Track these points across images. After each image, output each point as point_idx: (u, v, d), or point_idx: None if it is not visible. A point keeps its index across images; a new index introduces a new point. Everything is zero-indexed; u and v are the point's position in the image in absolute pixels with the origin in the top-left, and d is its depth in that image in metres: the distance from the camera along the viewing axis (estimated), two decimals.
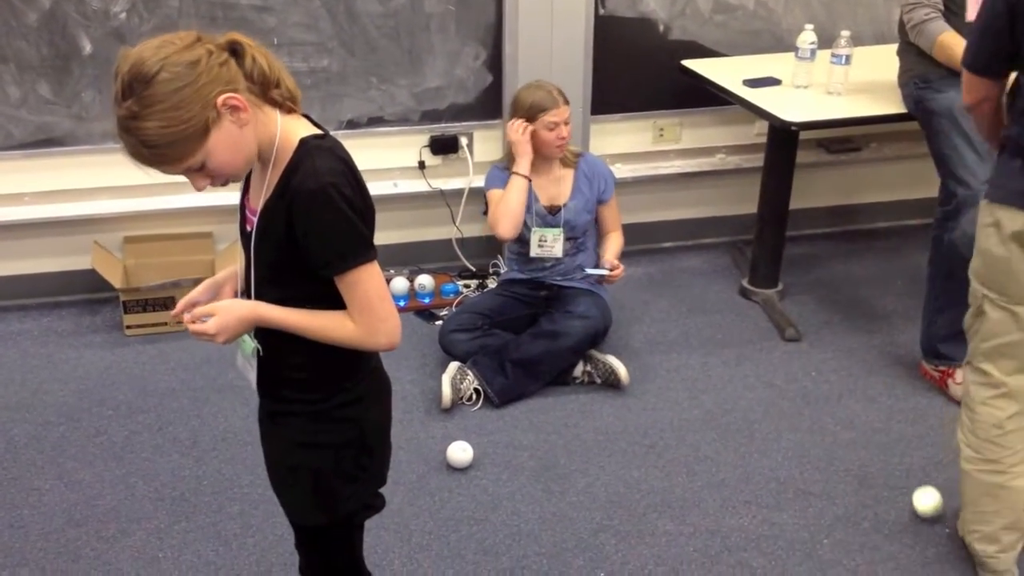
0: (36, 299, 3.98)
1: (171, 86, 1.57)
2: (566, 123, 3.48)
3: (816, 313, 3.97)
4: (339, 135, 3.90)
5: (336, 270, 1.70)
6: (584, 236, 3.62)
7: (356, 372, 1.89)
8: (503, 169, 3.59)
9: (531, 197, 3.54)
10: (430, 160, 4.12)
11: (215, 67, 1.60)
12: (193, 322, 1.79)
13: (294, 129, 1.71)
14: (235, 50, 1.66)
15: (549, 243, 3.55)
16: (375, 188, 4.03)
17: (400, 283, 4.04)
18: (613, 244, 3.66)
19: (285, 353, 1.84)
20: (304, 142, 1.69)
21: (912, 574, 2.72)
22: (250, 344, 1.86)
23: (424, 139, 4.10)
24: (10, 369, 3.58)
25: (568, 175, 3.59)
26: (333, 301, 1.76)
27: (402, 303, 4.02)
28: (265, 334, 1.83)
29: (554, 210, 3.55)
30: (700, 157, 4.40)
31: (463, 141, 4.11)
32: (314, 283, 1.74)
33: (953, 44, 3.33)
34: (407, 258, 4.22)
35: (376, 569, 2.72)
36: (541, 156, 3.52)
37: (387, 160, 4.10)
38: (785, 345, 3.76)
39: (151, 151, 1.61)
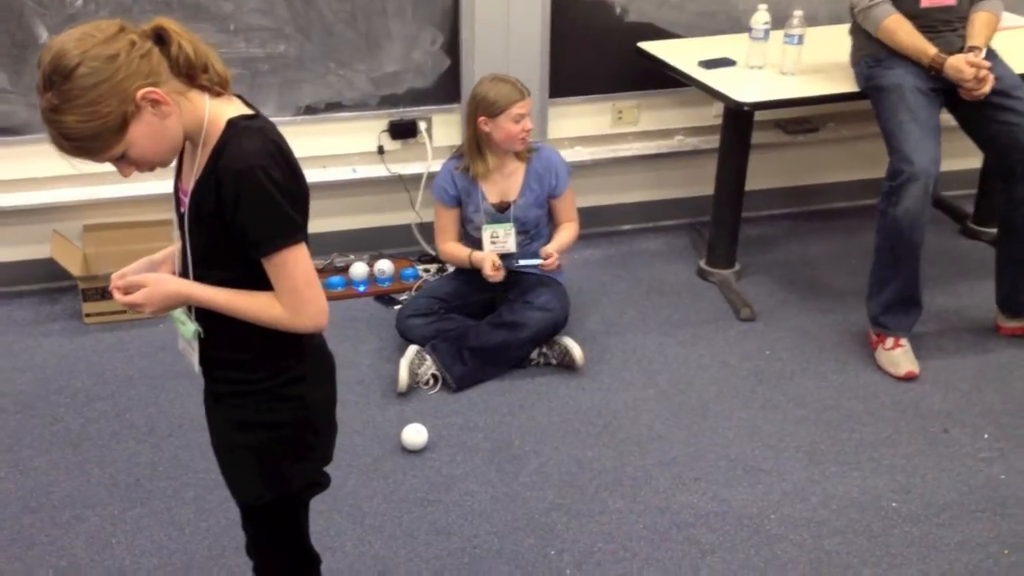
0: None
1: (89, 81, 1.59)
2: (528, 114, 3.47)
3: (772, 293, 4.01)
4: (297, 121, 4.01)
5: (262, 252, 1.72)
6: (537, 228, 3.63)
7: (299, 350, 1.91)
8: (457, 169, 3.58)
9: (479, 195, 3.56)
10: (389, 145, 4.13)
11: (135, 60, 1.62)
12: (125, 292, 1.80)
13: (222, 111, 1.72)
14: (161, 37, 1.67)
15: (501, 238, 3.56)
16: (334, 174, 4.13)
17: (360, 268, 4.05)
18: (560, 235, 3.64)
19: (226, 334, 1.86)
20: (232, 123, 1.70)
21: (858, 547, 2.76)
22: (191, 327, 1.87)
23: (383, 124, 4.11)
24: None
25: (519, 170, 3.57)
26: (270, 283, 1.78)
27: (362, 288, 4.03)
28: (206, 316, 1.85)
29: (503, 207, 3.56)
30: (658, 139, 4.42)
31: (422, 126, 4.12)
32: (250, 264, 1.75)
33: (897, 28, 3.38)
34: (367, 243, 4.23)
35: (328, 551, 2.74)
36: (500, 150, 3.51)
37: (346, 146, 4.11)
38: (740, 325, 3.79)
39: (71, 143, 1.64)
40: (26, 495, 2.96)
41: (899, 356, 3.46)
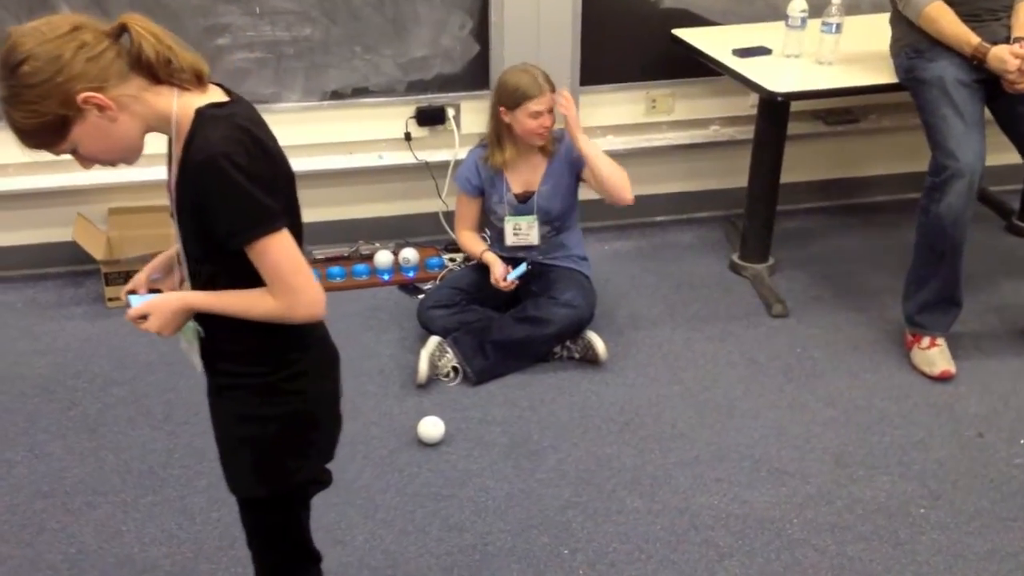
0: (20, 271, 3.97)
1: (30, 80, 1.58)
2: (550, 111, 3.37)
3: (806, 288, 3.90)
4: (324, 106, 3.95)
5: (238, 242, 1.66)
6: (563, 218, 3.54)
7: (301, 344, 1.87)
8: (482, 159, 3.51)
9: (503, 186, 3.48)
10: (416, 132, 4.07)
11: (80, 62, 1.59)
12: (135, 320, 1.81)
13: (192, 103, 1.67)
14: (123, 34, 1.64)
15: (524, 231, 3.49)
16: (360, 160, 4.07)
17: (384, 256, 4.00)
18: (614, 165, 3.45)
19: (227, 329, 1.82)
20: (199, 112, 1.65)
21: (882, 555, 2.66)
22: (191, 325, 1.84)
23: (410, 110, 4.05)
24: None
25: (544, 160, 3.49)
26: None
27: (386, 276, 3.98)
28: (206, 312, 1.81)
29: (525, 197, 3.48)
30: (694, 129, 4.33)
31: (450, 112, 4.06)
32: (237, 256, 1.71)
33: (939, 16, 3.25)
34: (393, 231, 4.18)
35: (338, 545, 2.71)
36: (522, 142, 3.44)
37: (373, 132, 4.06)
38: (772, 321, 3.69)
39: (20, 135, 1.65)
40: (39, 480, 2.94)
41: (935, 355, 3.35)
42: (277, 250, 1.68)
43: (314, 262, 4.05)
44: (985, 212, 4.42)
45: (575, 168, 3.50)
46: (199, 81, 1.69)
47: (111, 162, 1.74)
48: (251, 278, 1.73)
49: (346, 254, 4.09)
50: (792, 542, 2.70)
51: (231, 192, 1.62)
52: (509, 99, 3.34)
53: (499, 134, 3.42)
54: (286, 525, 2.03)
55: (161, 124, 1.69)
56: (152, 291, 1.90)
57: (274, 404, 1.86)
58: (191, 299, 1.78)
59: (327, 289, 3.81)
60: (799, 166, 4.38)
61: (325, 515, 2.79)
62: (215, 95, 1.71)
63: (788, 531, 2.74)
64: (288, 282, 1.70)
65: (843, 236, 4.30)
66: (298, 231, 1.82)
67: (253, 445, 1.89)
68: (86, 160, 1.72)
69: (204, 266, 1.78)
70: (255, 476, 1.92)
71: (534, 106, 3.32)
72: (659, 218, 4.44)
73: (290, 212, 1.77)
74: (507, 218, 3.48)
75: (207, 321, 1.82)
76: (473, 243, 3.58)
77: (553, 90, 3.38)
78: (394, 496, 2.88)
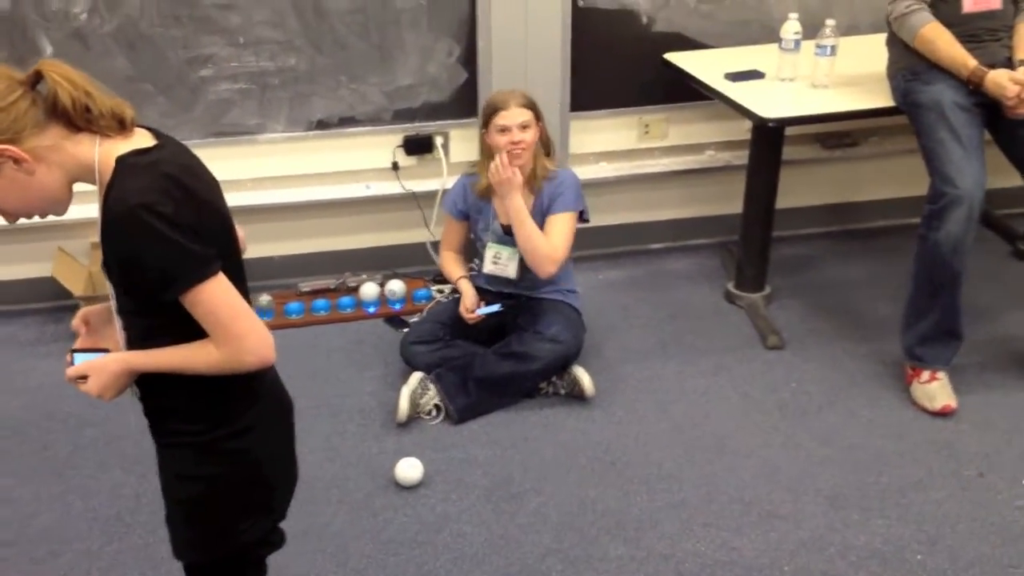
0: (2, 306, 3.90)
1: None
2: (522, 127, 3.25)
3: (803, 319, 3.78)
4: (309, 136, 3.87)
5: (171, 293, 1.58)
6: None
7: (244, 397, 1.77)
8: (469, 184, 3.43)
9: (490, 213, 3.39)
10: (404, 161, 3.98)
11: None
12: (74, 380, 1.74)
13: (114, 151, 1.58)
14: (39, 82, 1.57)
15: (504, 261, 3.39)
16: (347, 191, 3.99)
17: (370, 289, 3.90)
18: (536, 232, 3.26)
19: (163, 384, 1.73)
20: (119, 161, 1.57)
21: None
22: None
23: (398, 139, 3.96)
24: None
25: (530, 197, 3.37)
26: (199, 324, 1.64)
27: (372, 309, 3.88)
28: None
29: (510, 230, 3.37)
30: (688, 154, 4.22)
31: (438, 141, 3.96)
32: (175, 307, 1.61)
33: (935, 37, 3.14)
34: (380, 262, 4.09)
35: None
36: None
37: (359, 161, 3.97)
38: (767, 354, 3.57)
39: None
40: (3, 526, 2.86)
41: (935, 389, 3.22)
42: (213, 297, 1.59)
43: (300, 295, 3.96)
44: (990, 237, 4.29)
45: (550, 203, 3.37)
46: (122, 127, 1.61)
47: (35, 214, 1.67)
48: (189, 329, 1.64)
49: (332, 286, 4.00)
50: None
51: (154, 243, 1.53)
52: (485, 117, 3.29)
53: (483, 157, 3.34)
54: None
55: (84, 174, 1.61)
56: (99, 350, 1.79)
57: (213, 464, 1.77)
58: (133, 360, 1.70)
59: (311, 323, 3.79)
60: (797, 191, 4.28)
61: (294, 563, 2.69)
62: (140, 140, 1.62)
63: None
64: (230, 329, 1.62)
65: (843, 263, 4.18)
66: (239, 275, 1.73)
67: (191, 507, 1.80)
68: (8, 215, 1.64)
69: (137, 319, 1.69)
70: (193, 540, 1.83)
71: (500, 120, 3.24)
72: (654, 246, 4.34)
73: (227, 256, 1.68)
74: (489, 245, 3.39)
75: (145, 376, 1.73)
76: (453, 266, 3.51)
77: (533, 111, 3.28)
78: (368, 543, 2.77)
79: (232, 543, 1.83)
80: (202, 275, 1.58)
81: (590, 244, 4.17)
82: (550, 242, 3.28)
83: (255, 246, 4.03)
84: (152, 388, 1.75)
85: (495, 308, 3.34)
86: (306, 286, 3.99)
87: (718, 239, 4.30)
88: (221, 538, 1.82)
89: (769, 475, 2.98)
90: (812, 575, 2.62)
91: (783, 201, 4.04)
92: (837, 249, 4.30)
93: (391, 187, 3.99)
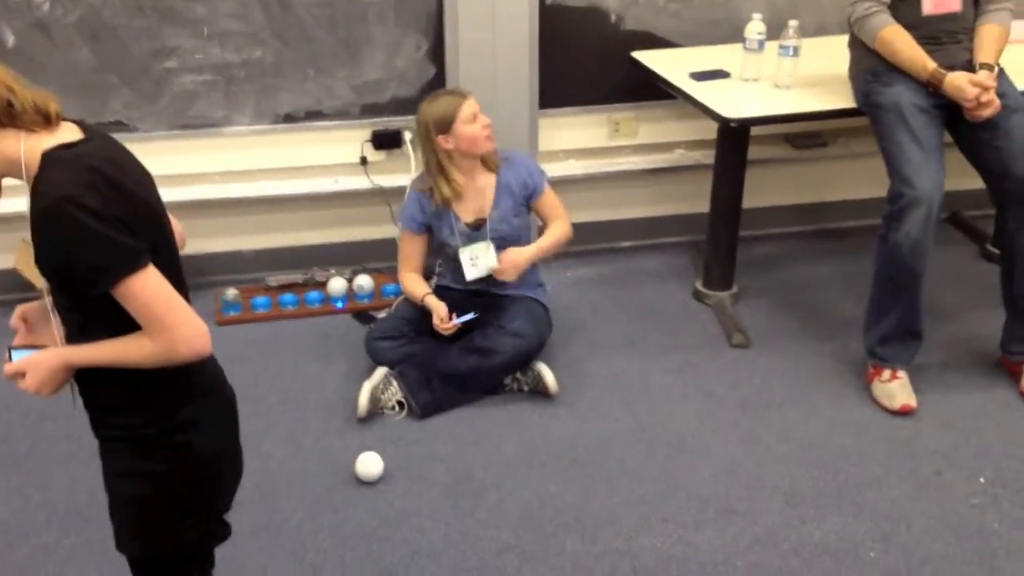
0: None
1: None
2: (484, 113, 3.31)
3: (770, 317, 3.79)
4: (277, 130, 3.86)
5: (101, 287, 1.57)
6: (518, 240, 3.43)
7: (186, 391, 1.77)
8: (424, 196, 3.42)
9: (451, 217, 3.38)
10: (372, 156, 3.98)
11: None
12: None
13: (39, 145, 1.59)
14: None
15: (482, 258, 3.38)
16: (315, 185, 3.98)
17: (338, 283, 3.90)
18: (545, 236, 3.47)
19: (101, 378, 1.73)
20: (45, 156, 1.57)
21: None
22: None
23: (366, 133, 3.96)
24: None
25: (491, 182, 3.39)
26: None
27: (340, 304, 3.88)
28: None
29: (478, 224, 3.38)
30: (658, 153, 4.23)
31: (407, 136, 3.96)
32: (107, 301, 1.61)
33: (894, 39, 3.16)
34: (348, 258, 4.08)
35: None
36: (467, 162, 3.34)
37: (327, 156, 3.97)
38: (732, 352, 3.59)
39: None
40: None
41: (895, 388, 3.24)
42: (144, 289, 1.59)
43: (267, 289, 3.95)
44: (959, 238, 4.33)
45: (526, 193, 3.40)
46: (47, 121, 1.60)
47: None
48: (125, 322, 1.63)
49: (300, 281, 3.99)
50: None
51: (82, 237, 1.53)
52: (441, 123, 3.26)
53: (441, 165, 3.32)
54: None
55: (12, 169, 1.61)
56: (36, 347, 1.79)
57: (155, 459, 1.76)
58: (69, 355, 1.69)
59: (278, 318, 3.79)
60: (767, 190, 4.29)
61: (252, 558, 2.69)
62: (67, 134, 1.62)
63: (731, 575, 2.62)
64: (163, 320, 1.61)
65: (812, 263, 4.20)
66: (174, 268, 1.73)
67: (132, 504, 1.80)
68: None
69: (73, 315, 1.69)
70: (135, 536, 1.82)
71: (467, 109, 3.25)
72: (624, 244, 4.34)
73: (162, 249, 1.67)
74: (461, 249, 3.37)
75: (84, 370, 1.72)
76: (415, 286, 3.45)
77: (470, 94, 3.34)
78: (326, 538, 2.77)
79: (175, 538, 1.83)
80: (132, 268, 1.57)
81: None
82: (558, 225, 3.48)
83: (222, 239, 4.06)
84: (90, 382, 1.74)
85: (470, 316, 3.33)
86: (274, 280, 3.98)
87: (688, 238, 4.31)
88: (164, 533, 1.82)
89: (728, 471, 2.99)
90: (766, 571, 2.63)
91: (753, 200, 4.06)
92: (807, 248, 4.32)
93: (359, 182, 3.98)
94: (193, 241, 3.98)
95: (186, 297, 1.74)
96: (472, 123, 3.25)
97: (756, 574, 2.62)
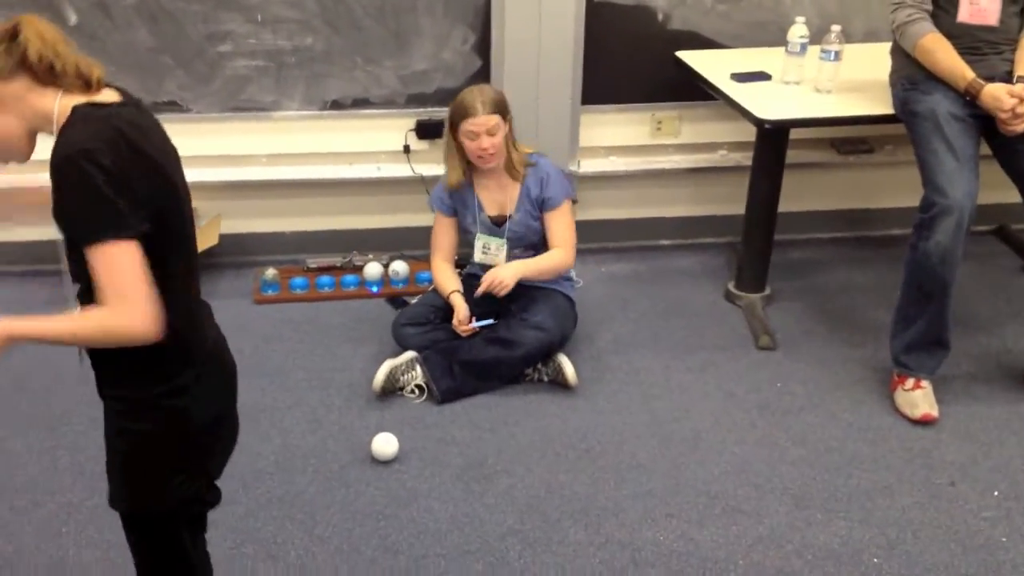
0: (15, 267, 4.03)
1: None
2: (490, 133, 3.26)
3: (800, 321, 3.78)
4: (324, 116, 3.95)
5: (81, 243, 1.60)
6: (537, 247, 3.47)
7: (183, 359, 1.82)
8: (445, 191, 3.49)
9: (476, 205, 3.44)
10: (415, 145, 4.05)
11: None
12: None
13: (72, 102, 1.66)
14: (17, 36, 1.64)
15: (493, 251, 3.44)
16: (359, 171, 4.06)
17: (374, 268, 3.98)
18: (545, 257, 3.43)
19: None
20: (75, 110, 1.64)
21: None
22: None
23: (410, 123, 4.03)
24: None
25: (516, 185, 3.42)
26: None
27: (375, 289, 3.96)
28: None
29: (500, 221, 3.43)
30: (700, 153, 4.23)
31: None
32: None
33: (934, 48, 3.14)
34: (387, 243, 4.16)
35: (269, 559, 2.69)
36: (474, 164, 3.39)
37: (372, 143, 4.05)
38: (757, 354, 3.59)
39: None
40: None
41: (918, 397, 3.22)
42: (115, 260, 1.60)
43: (306, 271, 4.04)
44: (1004, 251, 4.27)
45: (539, 200, 3.42)
46: (87, 86, 1.68)
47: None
48: None
49: (339, 264, 4.08)
50: None
51: (84, 190, 1.57)
52: (454, 116, 3.31)
53: (451, 152, 3.38)
54: (166, 545, 1.97)
55: (44, 124, 1.68)
56: None
57: (149, 420, 1.82)
58: (14, 328, 1.68)
59: (315, 299, 3.88)
60: (809, 195, 4.28)
61: (264, 527, 2.78)
62: (104, 97, 1.69)
63: (730, 573, 2.64)
64: (123, 294, 1.61)
65: (850, 269, 4.17)
66: (184, 242, 1.79)
67: (125, 460, 1.87)
68: None
69: (80, 269, 1.73)
70: (125, 492, 1.90)
71: (468, 126, 3.26)
72: (662, 242, 4.36)
73: (173, 223, 1.73)
74: (478, 236, 3.44)
75: None
76: (445, 280, 3.48)
77: (499, 112, 3.29)
78: (336, 512, 2.84)
79: (162, 498, 1.89)
80: (114, 234, 1.59)
81: (596, 237, 4.22)
82: (556, 253, 3.42)
83: (266, 220, 4.17)
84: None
85: (489, 322, 3.38)
86: (313, 262, 4.07)
87: (726, 239, 4.31)
88: (151, 492, 1.88)
89: (738, 471, 3.01)
90: (766, 571, 2.65)
91: (795, 204, 4.07)
92: (847, 255, 4.29)
93: (402, 170, 4.06)
94: (237, 221, 4.14)
95: (194, 274, 1.81)
96: (469, 140, 3.28)
97: (756, 573, 2.64)
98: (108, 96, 1.71)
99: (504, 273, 3.32)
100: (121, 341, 1.66)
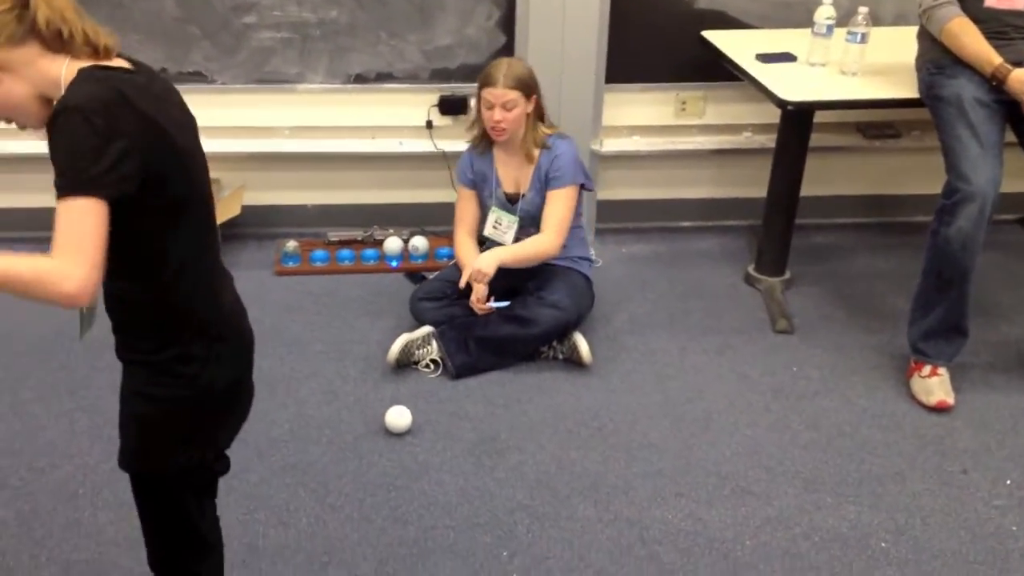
0: (38, 232, 4.06)
1: None
2: (505, 108, 3.26)
3: (819, 306, 3.77)
4: (348, 89, 3.96)
5: (57, 195, 1.57)
6: None
7: (198, 327, 1.84)
8: (472, 152, 3.52)
9: (494, 181, 3.45)
10: (438, 120, 4.06)
11: None
12: None
13: (79, 66, 1.67)
14: (27, 2, 1.65)
15: (503, 227, 3.45)
16: (381, 146, 4.07)
17: (394, 243, 4.00)
18: (529, 242, 3.40)
19: (114, 299, 1.82)
20: (80, 71, 1.65)
21: None
22: None
23: (433, 98, 4.04)
24: None
25: (530, 167, 3.43)
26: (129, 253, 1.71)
27: (394, 263, 3.98)
28: (107, 280, 1.79)
29: (514, 198, 3.44)
30: (725, 134, 4.22)
31: (473, 103, 4.01)
32: (116, 229, 1.67)
33: (961, 32, 3.11)
34: (407, 218, 4.17)
35: (280, 526, 2.72)
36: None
37: (394, 118, 4.06)
38: (774, 337, 3.58)
39: None
40: (13, 436, 3.02)
41: (934, 384, 3.20)
42: (78, 216, 1.55)
43: (327, 244, 4.07)
44: None
45: (547, 178, 3.41)
46: (95, 52, 1.70)
47: (9, 120, 1.74)
48: (125, 252, 1.68)
49: (359, 238, 4.10)
50: (739, 565, 2.61)
51: (68, 144, 1.57)
52: (481, 80, 3.33)
53: (478, 115, 3.42)
54: (172, 508, 2.00)
55: (51, 88, 1.69)
56: None
57: (161, 385, 1.85)
58: None
59: (335, 272, 3.90)
60: (834, 179, 4.26)
61: (276, 494, 2.81)
62: (116, 64, 1.71)
63: (737, 553, 2.65)
64: (73, 250, 1.55)
65: (872, 255, 4.15)
66: (197, 209, 1.80)
67: (138, 422, 1.90)
68: None
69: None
70: (135, 453, 1.93)
71: (486, 94, 3.29)
72: (684, 223, 4.35)
73: (181, 190, 1.74)
74: (492, 208, 3.46)
75: (105, 289, 1.81)
76: (466, 251, 3.47)
77: (522, 90, 3.28)
78: (348, 482, 2.87)
79: (169, 462, 1.92)
80: (83, 191, 1.55)
81: (617, 217, 4.22)
82: (543, 237, 3.38)
83: (288, 192, 4.19)
84: (115, 307, 1.84)
85: (506, 304, 3.38)
86: (334, 235, 4.09)
87: (748, 221, 4.29)
88: (159, 456, 1.91)
89: (750, 453, 3.01)
90: (773, 551, 2.65)
91: (819, 188, 4.05)
92: (869, 241, 4.27)
93: (424, 145, 4.06)
94: (259, 193, 4.16)
95: (210, 242, 1.83)
96: (485, 108, 3.30)
97: (762, 553, 2.64)
98: (118, 64, 1.73)
99: (483, 263, 3.29)
100: (47, 296, 1.57)
